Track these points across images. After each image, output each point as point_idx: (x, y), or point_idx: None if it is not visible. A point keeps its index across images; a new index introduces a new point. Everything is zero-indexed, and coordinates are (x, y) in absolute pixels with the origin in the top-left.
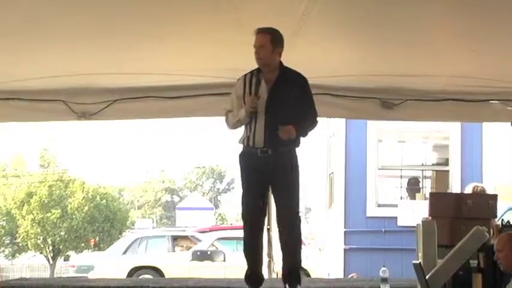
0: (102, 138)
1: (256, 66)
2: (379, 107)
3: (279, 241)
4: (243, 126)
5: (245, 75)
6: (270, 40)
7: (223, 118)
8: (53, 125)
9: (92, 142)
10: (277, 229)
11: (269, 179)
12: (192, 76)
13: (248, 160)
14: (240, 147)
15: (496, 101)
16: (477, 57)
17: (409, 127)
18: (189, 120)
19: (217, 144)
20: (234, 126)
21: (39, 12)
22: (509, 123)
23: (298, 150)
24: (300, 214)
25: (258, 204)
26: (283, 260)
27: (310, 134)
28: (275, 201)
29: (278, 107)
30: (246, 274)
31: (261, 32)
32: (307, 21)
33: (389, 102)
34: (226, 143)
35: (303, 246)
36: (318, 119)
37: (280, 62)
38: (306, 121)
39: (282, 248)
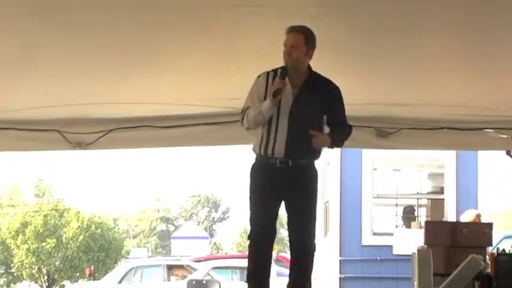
0: (97, 168)
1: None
2: (374, 135)
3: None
4: (259, 132)
5: (267, 73)
6: (304, 41)
7: (219, 147)
8: (48, 155)
9: (87, 171)
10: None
11: (285, 195)
12: (187, 106)
13: (263, 171)
14: (253, 156)
15: (491, 130)
16: (472, 86)
17: (404, 155)
18: (185, 150)
19: (213, 173)
20: (254, 120)
21: (34, 42)
22: (504, 152)
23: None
24: (316, 242)
25: (271, 223)
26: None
27: (343, 143)
28: (290, 223)
29: (304, 113)
30: None
31: (294, 31)
32: None
33: (384, 131)
34: (222, 172)
35: None
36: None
37: (309, 66)
38: (339, 131)
39: (293, 276)
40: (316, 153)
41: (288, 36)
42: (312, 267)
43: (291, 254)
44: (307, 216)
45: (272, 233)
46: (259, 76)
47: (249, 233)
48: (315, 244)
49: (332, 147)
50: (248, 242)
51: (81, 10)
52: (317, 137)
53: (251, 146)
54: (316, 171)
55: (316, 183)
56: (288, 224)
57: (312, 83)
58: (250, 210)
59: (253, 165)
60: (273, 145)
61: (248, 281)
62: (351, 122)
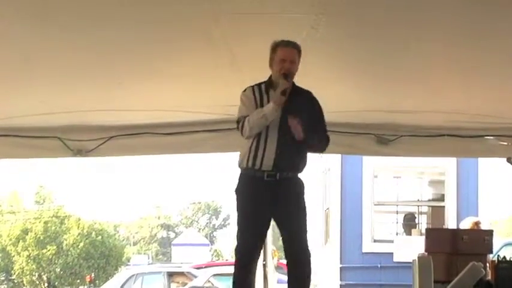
0: (98, 175)
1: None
2: (374, 142)
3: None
4: (247, 145)
5: (252, 87)
6: (298, 56)
7: (219, 154)
8: (48, 162)
9: (87, 178)
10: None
11: (273, 208)
12: (187, 112)
13: (251, 185)
14: (238, 170)
15: (492, 137)
16: (473, 93)
17: (405, 163)
18: (185, 157)
19: (213, 180)
20: (257, 124)
21: (34, 50)
22: (505, 159)
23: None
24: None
25: (258, 239)
26: None
27: (318, 149)
28: (283, 235)
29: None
30: None
31: (291, 46)
32: (302, 59)
33: (384, 138)
34: (222, 179)
35: None
36: (312, 154)
37: None
38: (316, 133)
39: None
40: (302, 166)
41: (287, 51)
42: (310, 276)
43: (288, 265)
44: (300, 226)
45: (258, 248)
46: (244, 90)
47: (235, 247)
48: (310, 251)
49: (304, 143)
50: (234, 254)
51: (80, 17)
52: (293, 122)
53: (237, 160)
54: (303, 183)
55: (304, 194)
56: (282, 236)
57: (297, 95)
58: (238, 229)
59: (239, 180)
60: (261, 157)
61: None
62: (351, 129)
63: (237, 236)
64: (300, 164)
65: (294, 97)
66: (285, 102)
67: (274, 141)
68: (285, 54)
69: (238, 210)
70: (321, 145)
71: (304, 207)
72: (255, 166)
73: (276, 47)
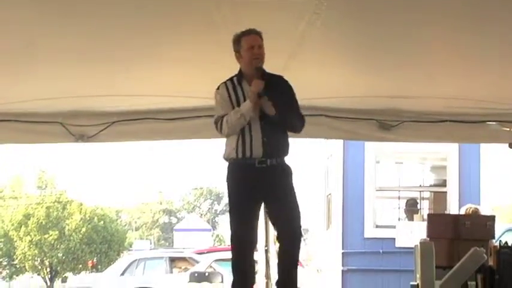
0: (100, 160)
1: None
2: (376, 128)
3: (277, 260)
4: (232, 139)
5: (225, 83)
6: (262, 40)
7: (220, 139)
8: (50, 147)
9: (89, 163)
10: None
11: (265, 193)
12: (189, 98)
13: (243, 173)
14: (226, 162)
15: (494, 122)
16: (475, 79)
17: (407, 148)
18: (187, 142)
19: (215, 166)
20: (236, 123)
21: (37, 35)
22: (507, 145)
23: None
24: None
25: (252, 224)
26: (280, 282)
27: (297, 128)
28: (275, 217)
29: (271, 112)
30: None
31: (253, 33)
32: (303, 44)
33: (386, 123)
34: (224, 164)
35: (299, 267)
36: (315, 140)
37: None
38: (290, 112)
39: (281, 270)
40: (287, 149)
41: (252, 37)
42: (299, 255)
43: (280, 239)
44: (292, 208)
45: (254, 233)
46: (218, 88)
47: (231, 234)
48: (301, 231)
49: (284, 124)
50: (230, 240)
51: (82, 1)
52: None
53: (223, 154)
54: (291, 168)
55: (292, 178)
56: (274, 219)
57: (270, 83)
58: (231, 215)
59: (229, 170)
60: (250, 147)
61: (233, 276)
62: (353, 114)
63: (231, 222)
64: (286, 147)
65: (268, 84)
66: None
67: (258, 131)
68: (251, 41)
69: (230, 197)
70: (300, 123)
71: (294, 191)
72: (246, 155)
73: (238, 38)
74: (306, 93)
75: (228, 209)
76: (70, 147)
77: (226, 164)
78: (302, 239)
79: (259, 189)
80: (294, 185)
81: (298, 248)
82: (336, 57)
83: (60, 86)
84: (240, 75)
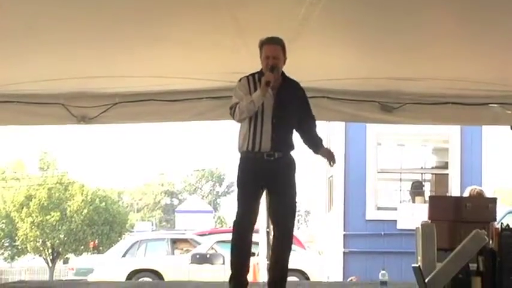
0: (102, 141)
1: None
2: (378, 110)
3: (272, 240)
4: (245, 132)
5: (247, 77)
6: (282, 51)
7: (222, 121)
8: (52, 128)
9: (91, 145)
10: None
11: (270, 183)
12: (191, 79)
13: (252, 165)
14: (238, 154)
15: (496, 105)
16: (477, 61)
17: (409, 130)
18: (189, 124)
19: (217, 147)
20: (246, 109)
21: (38, 16)
22: (509, 127)
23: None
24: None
25: (255, 210)
26: (273, 264)
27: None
28: (273, 211)
29: (284, 111)
30: (230, 278)
31: (273, 43)
32: (306, 26)
33: (388, 105)
34: (226, 146)
35: (302, 249)
36: (317, 122)
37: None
38: (315, 129)
39: (276, 250)
40: (293, 145)
41: (270, 47)
42: (289, 253)
43: (273, 238)
44: (289, 205)
45: (254, 218)
46: (240, 80)
47: (235, 217)
48: (292, 232)
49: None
50: (233, 223)
51: None
52: (328, 154)
53: (237, 145)
54: (295, 162)
55: (295, 171)
56: (271, 212)
57: (286, 85)
58: (238, 200)
59: (240, 160)
60: (259, 141)
61: (231, 255)
62: (355, 96)
63: (238, 205)
64: (291, 143)
65: (284, 87)
66: (276, 93)
67: (269, 127)
68: (268, 51)
69: (238, 183)
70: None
71: (295, 185)
72: (255, 149)
73: (261, 44)
74: (307, 75)
75: (228, 190)
76: (72, 128)
77: (239, 155)
78: (294, 221)
79: (264, 177)
80: (296, 178)
81: (288, 247)
82: (338, 40)
83: (62, 67)
84: (260, 73)
